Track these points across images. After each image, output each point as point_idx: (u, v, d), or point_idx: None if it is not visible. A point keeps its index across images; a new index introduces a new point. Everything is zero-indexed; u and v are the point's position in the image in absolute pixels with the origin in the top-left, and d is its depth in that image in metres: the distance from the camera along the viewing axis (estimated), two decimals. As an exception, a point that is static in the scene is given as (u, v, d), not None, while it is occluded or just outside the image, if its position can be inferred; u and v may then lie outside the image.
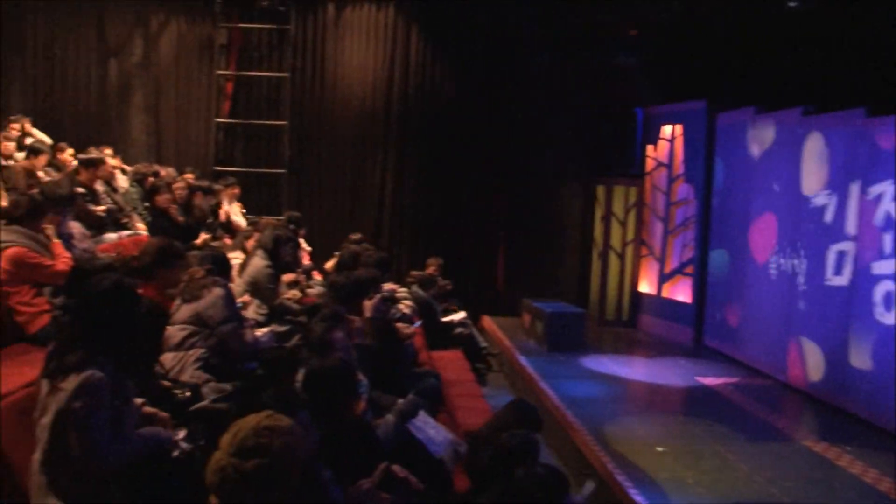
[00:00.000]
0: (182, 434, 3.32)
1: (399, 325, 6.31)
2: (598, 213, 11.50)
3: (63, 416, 2.87)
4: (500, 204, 11.50)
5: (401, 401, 3.91)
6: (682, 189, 10.57)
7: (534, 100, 11.20)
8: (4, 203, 7.00)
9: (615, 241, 11.42)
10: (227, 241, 8.26)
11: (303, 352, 4.18)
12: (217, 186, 9.53)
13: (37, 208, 5.30)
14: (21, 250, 5.02)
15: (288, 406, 3.04)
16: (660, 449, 6.14)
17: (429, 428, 4.01)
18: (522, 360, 8.72)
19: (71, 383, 2.90)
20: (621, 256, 11.41)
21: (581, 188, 11.58)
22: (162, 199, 7.80)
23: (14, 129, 9.06)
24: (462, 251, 11.30)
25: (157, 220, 7.71)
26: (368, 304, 5.35)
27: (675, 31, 10.48)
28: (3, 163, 7.42)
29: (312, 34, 11.46)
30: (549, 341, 9.21)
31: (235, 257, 6.73)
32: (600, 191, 11.48)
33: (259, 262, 6.30)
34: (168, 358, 4.34)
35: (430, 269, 9.60)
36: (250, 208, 10.60)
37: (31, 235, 5.14)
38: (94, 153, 8.78)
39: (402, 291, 8.33)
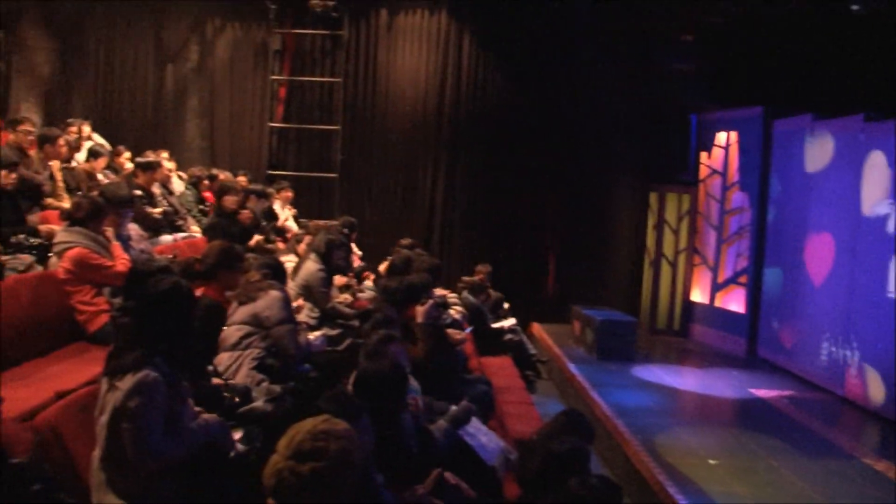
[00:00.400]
0: (238, 435, 3.35)
1: (450, 330, 6.30)
2: (651, 220, 11.38)
3: (118, 415, 2.93)
4: (552, 210, 11.44)
5: (454, 407, 3.89)
6: (737, 197, 10.39)
7: (587, 105, 11.11)
8: (66, 205, 7.21)
9: (667, 248, 11.28)
10: (280, 244, 8.34)
11: (356, 355, 4.18)
12: (270, 190, 9.64)
13: (98, 210, 5.38)
14: (83, 251, 5.13)
15: (346, 410, 3.05)
16: (712, 462, 6.03)
17: (481, 435, 3.99)
18: (572, 367, 8.65)
19: (126, 382, 2.94)
20: (673, 264, 11.26)
21: (633, 195, 11.47)
22: (230, 200, 7.87)
23: (73, 132, 9.27)
24: (512, 257, 11.27)
25: (220, 220, 7.78)
26: (420, 310, 5.35)
27: (731, 35, 10.31)
28: (65, 166, 7.60)
29: (365, 39, 11.55)
30: (599, 349, 9.12)
31: (288, 260, 6.78)
32: (653, 198, 11.35)
33: (312, 265, 6.35)
34: (224, 357, 4.40)
35: (479, 276, 9.57)
36: (302, 212, 10.70)
37: (92, 237, 5.24)
38: (151, 157, 8.94)
39: (452, 297, 8.32)
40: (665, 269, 11.26)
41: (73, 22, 11.75)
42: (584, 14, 10.69)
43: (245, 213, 7.90)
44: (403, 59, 11.53)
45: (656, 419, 7.11)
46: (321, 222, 8.37)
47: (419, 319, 5.24)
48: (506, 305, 9.76)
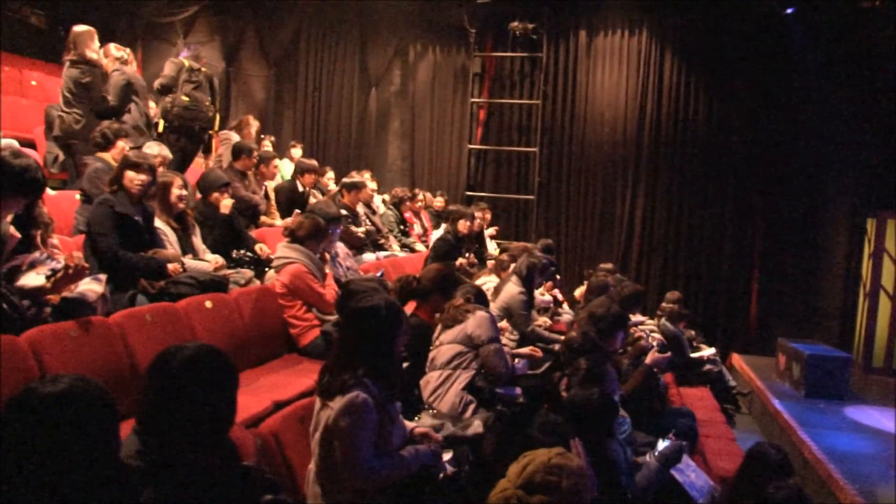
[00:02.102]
0: (448, 457, 3.37)
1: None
2: (868, 248, 10.54)
3: (330, 433, 2.99)
4: (756, 235, 10.92)
5: (665, 444, 3.79)
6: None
7: (798, 126, 10.53)
8: (278, 221, 7.72)
9: (887, 280, 10.38)
10: (490, 265, 8.49)
11: (567, 382, 4.19)
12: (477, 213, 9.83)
13: (318, 230, 5.57)
14: (301, 269, 5.32)
15: (558, 437, 3.07)
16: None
17: (690, 471, 3.87)
18: (777, 404, 8.17)
19: (337, 402, 2.98)
20: (893, 297, 10.37)
21: (848, 221, 10.70)
22: (463, 225, 8.22)
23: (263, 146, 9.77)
24: (713, 284, 10.86)
25: (445, 243, 8.13)
26: (653, 355, 5.26)
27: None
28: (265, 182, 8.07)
29: (564, 61, 11.60)
30: (807, 386, 8.55)
31: (488, 282, 6.89)
32: (871, 224, 10.51)
33: (513, 288, 6.41)
34: (433, 376, 4.49)
35: (672, 305, 9.25)
36: (499, 234, 10.87)
37: (310, 255, 5.43)
38: (355, 177, 9.37)
39: (650, 323, 8.13)
40: (884, 302, 10.36)
41: (286, 51, 12.69)
42: (799, 33, 10.14)
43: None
44: (602, 80, 11.46)
45: (875, 467, 6.54)
46: (521, 244, 8.44)
47: (647, 361, 5.17)
48: (692, 332, 9.41)
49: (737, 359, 10.31)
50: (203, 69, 7.51)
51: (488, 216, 10.21)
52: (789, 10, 10.29)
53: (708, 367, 8.66)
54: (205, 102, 7.35)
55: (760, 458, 3.87)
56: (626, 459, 3.72)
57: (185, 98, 7.25)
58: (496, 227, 10.63)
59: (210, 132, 7.54)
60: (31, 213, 3.80)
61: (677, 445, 3.80)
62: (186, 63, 7.45)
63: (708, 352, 8.86)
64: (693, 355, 8.55)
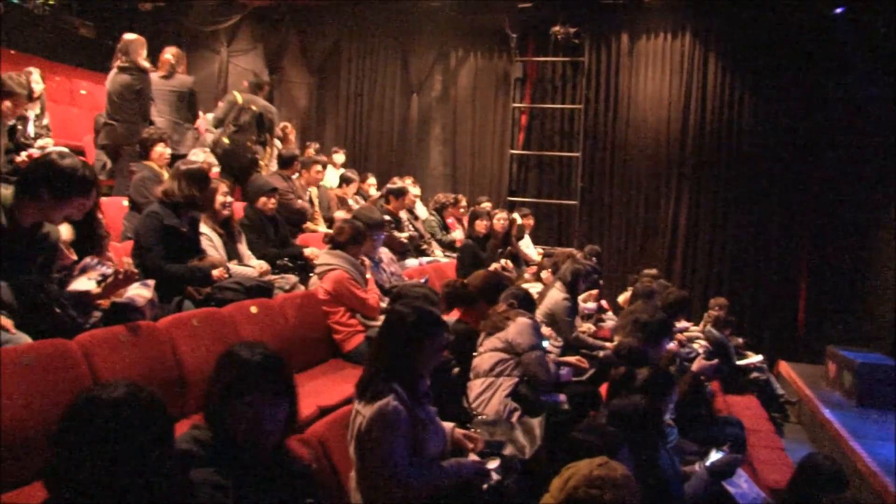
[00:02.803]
0: (495, 465, 3.32)
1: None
2: (920, 253, 10.27)
3: (362, 441, 2.97)
4: (803, 240, 10.68)
5: (717, 456, 3.70)
6: None
7: (848, 130, 10.29)
8: (321, 227, 7.77)
9: (941, 286, 10.12)
10: (530, 272, 8.45)
11: (608, 388, 4.13)
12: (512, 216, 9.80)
13: (359, 235, 5.60)
14: (343, 275, 5.33)
15: (605, 442, 3.00)
16: None
17: (742, 481, 3.78)
18: (827, 413, 7.97)
19: (368, 410, 2.96)
20: (948, 304, 10.08)
21: (900, 226, 10.43)
22: (481, 225, 8.22)
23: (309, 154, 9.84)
24: (759, 290, 10.67)
25: (467, 247, 8.09)
26: (699, 362, 5.20)
27: None
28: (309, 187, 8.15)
29: (606, 65, 11.48)
30: (859, 395, 8.33)
31: (532, 287, 6.83)
32: (923, 229, 10.25)
33: (557, 294, 6.36)
34: (476, 384, 4.47)
35: (717, 311, 9.09)
36: (541, 239, 10.80)
37: (351, 261, 5.44)
38: (398, 183, 9.40)
39: (695, 330, 8.02)
40: (939, 310, 10.10)
41: (328, 58, 12.79)
42: (849, 33, 9.90)
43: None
44: (645, 83, 11.34)
45: (934, 481, 6.36)
46: (565, 250, 8.39)
47: (694, 368, 5.09)
48: (741, 340, 9.25)
49: (784, 366, 10.10)
50: (254, 107, 7.65)
51: (531, 221, 10.14)
52: (839, 10, 10.04)
53: (755, 374, 8.51)
54: (245, 144, 7.53)
55: (814, 469, 3.77)
56: (673, 469, 3.65)
57: (226, 140, 7.45)
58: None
59: (254, 171, 7.64)
60: (92, 225, 3.89)
61: (731, 458, 3.71)
62: (240, 100, 7.61)
63: (755, 359, 8.70)
64: (740, 362, 8.40)
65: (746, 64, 10.88)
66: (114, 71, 7.13)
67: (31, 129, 7.06)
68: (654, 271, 8.70)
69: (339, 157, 10.80)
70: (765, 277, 10.74)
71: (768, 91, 10.78)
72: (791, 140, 10.62)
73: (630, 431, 3.47)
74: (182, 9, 12.48)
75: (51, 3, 11.04)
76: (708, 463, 3.71)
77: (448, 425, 3.43)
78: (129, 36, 7.20)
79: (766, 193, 10.72)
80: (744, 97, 10.93)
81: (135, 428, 1.79)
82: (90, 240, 3.91)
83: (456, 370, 4.14)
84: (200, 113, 10.28)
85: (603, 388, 4.65)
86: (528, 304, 5.06)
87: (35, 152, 6.10)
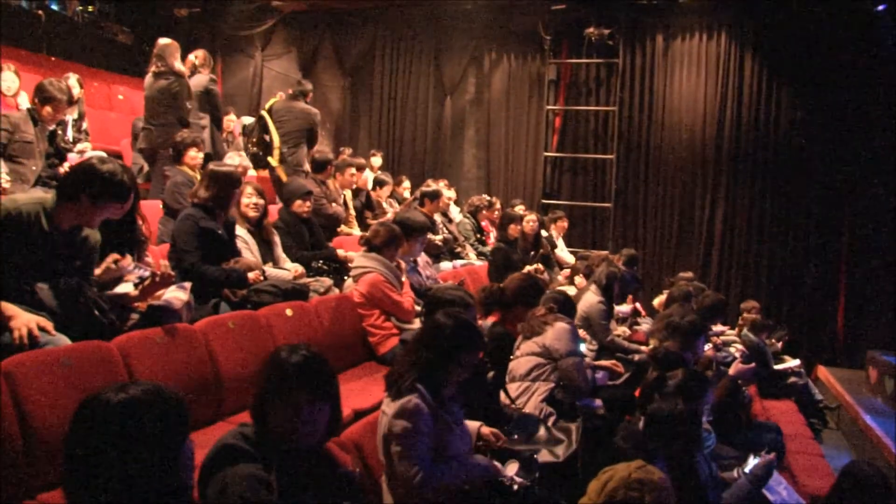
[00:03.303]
0: (515, 468, 3.32)
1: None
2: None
3: (387, 439, 3.00)
4: (842, 243, 10.48)
5: (755, 462, 3.64)
6: None
7: (890, 131, 10.04)
8: (355, 230, 7.80)
9: (985, 289, 9.88)
10: (563, 276, 8.41)
11: (640, 392, 4.09)
12: (545, 219, 9.77)
13: (394, 238, 5.59)
14: (378, 278, 5.33)
15: (643, 448, 2.98)
16: None
17: (781, 488, 3.71)
18: (868, 419, 7.81)
19: (391, 407, 3.01)
20: None
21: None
22: (514, 229, 8.23)
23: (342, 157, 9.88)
24: (797, 294, 10.49)
25: (498, 251, 8.07)
26: (737, 366, 5.17)
27: None
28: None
29: (640, 66, 11.38)
30: (901, 401, 8.18)
31: (566, 290, 6.80)
32: (966, 232, 10.01)
33: (592, 297, 6.32)
34: (512, 388, 4.46)
35: (750, 315, 8.96)
36: (575, 241, 10.73)
37: (387, 264, 5.43)
38: (432, 186, 9.39)
39: (731, 334, 7.91)
40: (982, 313, 9.86)
41: (362, 62, 12.83)
42: (891, 31, 9.69)
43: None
44: (680, 85, 11.22)
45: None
46: (601, 253, 8.34)
47: (731, 372, 5.03)
48: (779, 344, 9.10)
49: (823, 371, 9.93)
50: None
51: (565, 224, 10.08)
52: (881, 7, 9.83)
53: (793, 379, 8.35)
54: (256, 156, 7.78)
55: (857, 477, 3.68)
56: (711, 475, 3.59)
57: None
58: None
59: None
60: (131, 228, 3.94)
61: (767, 461, 3.64)
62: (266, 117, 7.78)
63: (793, 363, 8.54)
64: (777, 367, 8.26)
65: (784, 64, 10.70)
66: (150, 76, 7.23)
67: (69, 134, 7.19)
68: (689, 274, 8.61)
69: (377, 160, 10.83)
70: (802, 281, 10.56)
71: (807, 91, 10.59)
72: (830, 141, 10.42)
73: (668, 436, 3.44)
74: (217, 14, 12.62)
75: (90, 10, 11.23)
76: (747, 470, 3.64)
77: (474, 424, 3.44)
78: (163, 41, 7.29)
79: (803, 195, 10.54)
80: (781, 98, 10.75)
81: (139, 432, 1.79)
82: (129, 244, 3.95)
83: (491, 374, 4.11)
84: (234, 116, 10.38)
85: (638, 392, 4.61)
86: (568, 308, 5.02)
87: (74, 157, 6.20)
